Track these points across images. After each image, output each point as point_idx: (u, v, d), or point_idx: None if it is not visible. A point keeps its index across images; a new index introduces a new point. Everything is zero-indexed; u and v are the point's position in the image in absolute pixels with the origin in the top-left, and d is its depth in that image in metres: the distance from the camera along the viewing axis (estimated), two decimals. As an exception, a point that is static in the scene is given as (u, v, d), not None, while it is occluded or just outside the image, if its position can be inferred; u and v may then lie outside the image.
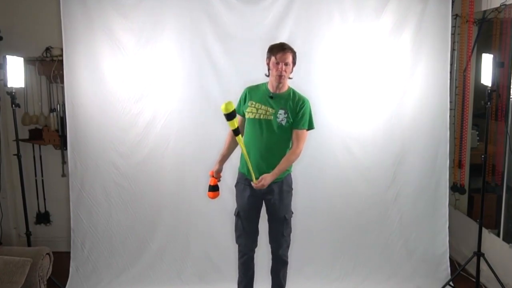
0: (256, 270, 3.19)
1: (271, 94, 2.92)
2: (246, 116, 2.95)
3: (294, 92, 2.97)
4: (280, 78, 2.85)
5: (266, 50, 2.94)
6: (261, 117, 2.88)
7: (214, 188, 3.02)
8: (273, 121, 2.88)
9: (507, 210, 3.57)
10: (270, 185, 2.90)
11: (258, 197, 2.98)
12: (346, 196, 3.74)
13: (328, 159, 3.71)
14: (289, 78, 2.96)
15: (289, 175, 3.03)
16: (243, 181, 3.00)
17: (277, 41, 3.03)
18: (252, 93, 2.98)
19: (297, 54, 3.57)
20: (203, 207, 3.64)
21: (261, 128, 2.89)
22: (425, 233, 3.80)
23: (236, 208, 3.08)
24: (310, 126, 2.98)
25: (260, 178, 2.84)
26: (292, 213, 3.07)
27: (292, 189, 3.05)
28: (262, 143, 2.89)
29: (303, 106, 2.92)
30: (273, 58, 2.86)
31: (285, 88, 2.95)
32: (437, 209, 3.76)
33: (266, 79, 3.00)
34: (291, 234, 3.10)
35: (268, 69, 2.94)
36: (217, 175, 3.06)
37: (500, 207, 3.61)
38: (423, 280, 3.72)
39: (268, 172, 2.87)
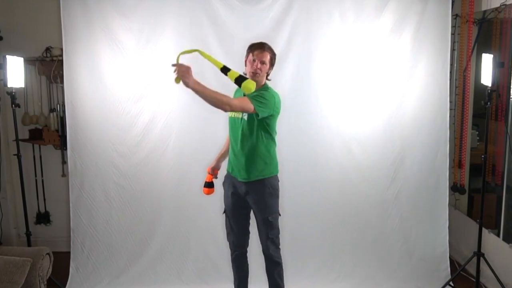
0: (254, 270, 3.19)
1: (244, 93, 2.86)
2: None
3: (267, 88, 2.89)
4: (254, 75, 2.80)
5: None
6: (234, 115, 2.90)
7: (209, 185, 3.07)
8: (242, 118, 2.85)
9: (507, 210, 3.57)
10: (247, 185, 2.90)
11: (239, 195, 2.96)
12: (346, 195, 3.74)
13: (328, 159, 3.71)
14: (268, 79, 2.93)
15: (274, 177, 2.94)
16: (228, 180, 3.01)
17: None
18: (235, 93, 3.00)
19: (296, 54, 3.59)
20: (203, 207, 3.65)
21: (235, 126, 2.90)
22: (425, 233, 3.79)
23: (224, 207, 3.09)
24: (257, 109, 2.70)
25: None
26: (279, 215, 2.99)
27: (277, 190, 2.96)
28: (238, 140, 2.88)
29: (263, 90, 2.81)
30: (250, 55, 2.84)
31: (259, 86, 2.86)
32: (437, 209, 3.76)
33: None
34: (280, 235, 3.01)
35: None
36: (213, 172, 3.09)
37: (500, 207, 3.61)
38: (423, 280, 3.71)
39: (248, 167, 2.85)
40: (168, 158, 3.71)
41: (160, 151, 3.70)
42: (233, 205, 3.00)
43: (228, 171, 3.02)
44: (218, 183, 3.13)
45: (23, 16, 4.08)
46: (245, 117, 2.84)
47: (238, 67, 3.49)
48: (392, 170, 3.75)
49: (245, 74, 2.91)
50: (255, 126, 2.83)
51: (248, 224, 3.06)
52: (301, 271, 3.68)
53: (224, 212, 3.08)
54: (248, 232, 3.08)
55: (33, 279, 2.91)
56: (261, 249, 3.06)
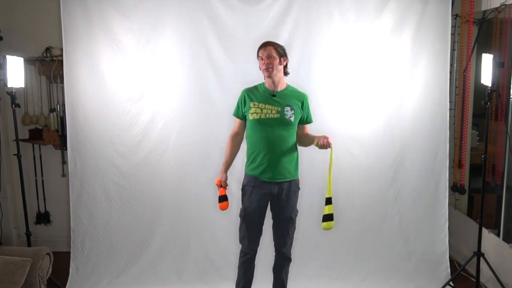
0: (258, 268, 3.19)
1: (273, 93, 2.93)
2: (250, 118, 2.92)
3: (293, 89, 3.02)
4: (267, 71, 2.87)
5: None
6: (267, 116, 2.89)
7: (225, 198, 2.99)
8: (281, 118, 2.89)
9: (507, 210, 3.57)
10: (281, 185, 2.93)
11: (266, 198, 2.98)
12: (346, 196, 3.74)
13: (328, 159, 3.70)
14: (287, 73, 2.99)
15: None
16: (251, 183, 2.98)
17: (277, 41, 3.04)
18: (251, 94, 2.97)
19: (297, 54, 3.58)
20: (203, 207, 3.65)
21: (269, 127, 2.89)
22: (425, 233, 3.80)
23: (241, 210, 3.06)
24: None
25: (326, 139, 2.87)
26: (298, 211, 3.08)
27: (299, 188, 3.06)
28: (273, 141, 2.88)
29: (306, 102, 3.01)
30: (259, 58, 2.93)
31: (284, 85, 2.98)
32: (437, 209, 3.76)
33: (262, 80, 3.01)
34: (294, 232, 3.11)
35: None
36: (225, 184, 3.04)
37: (500, 207, 3.61)
38: (423, 280, 3.72)
39: (283, 168, 2.91)
40: (168, 158, 3.71)
41: (160, 151, 3.70)
42: (257, 209, 2.99)
43: (253, 175, 2.96)
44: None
45: (23, 16, 4.08)
46: (291, 118, 2.90)
47: (238, 67, 3.53)
48: (392, 170, 3.75)
49: (264, 80, 2.98)
50: (296, 127, 2.97)
51: (263, 223, 3.07)
52: (302, 271, 3.68)
53: (243, 216, 3.04)
54: (262, 232, 3.09)
55: (33, 279, 2.91)
56: (264, 248, 3.08)
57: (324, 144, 2.84)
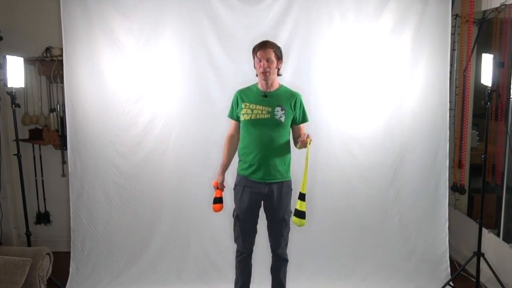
0: (256, 269, 3.20)
1: (264, 94, 2.92)
2: (242, 118, 2.93)
3: (286, 89, 3.00)
4: (264, 75, 2.86)
5: None
6: (258, 117, 2.88)
7: (220, 200, 3.02)
8: (271, 119, 2.88)
9: (507, 210, 3.57)
10: (271, 186, 2.92)
11: (258, 198, 2.98)
12: (346, 196, 3.75)
13: (328, 159, 3.71)
14: (279, 74, 2.99)
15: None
16: (242, 183, 2.99)
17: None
18: (244, 95, 2.98)
19: (297, 54, 3.59)
20: (203, 207, 3.64)
21: (260, 128, 2.89)
22: (425, 233, 3.80)
23: (234, 210, 3.07)
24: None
25: (305, 136, 2.79)
26: (291, 212, 3.06)
27: (291, 189, 3.05)
28: (263, 142, 2.88)
29: (300, 101, 2.97)
30: (255, 58, 2.90)
31: (277, 86, 2.97)
32: (437, 209, 3.76)
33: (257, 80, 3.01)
34: (289, 233, 3.10)
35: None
36: (221, 186, 3.06)
37: (500, 207, 3.61)
38: (423, 280, 3.72)
39: (274, 169, 2.90)
40: (168, 158, 3.71)
41: (160, 151, 3.70)
42: (249, 208, 2.99)
43: (244, 175, 2.98)
44: (227, 185, 3.14)
45: (23, 16, 4.08)
46: (282, 119, 2.88)
47: (238, 67, 3.52)
48: (392, 170, 3.75)
49: (257, 76, 2.96)
50: (288, 128, 2.94)
51: (257, 223, 3.07)
52: (302, 271, 3.68)
53: (236, 215, 3.06)
54: (256, 231, 3.09)
55: (33, 279, 2.91)
56: (261, 249, 3.07)
57: (303, 143, 2.79)
